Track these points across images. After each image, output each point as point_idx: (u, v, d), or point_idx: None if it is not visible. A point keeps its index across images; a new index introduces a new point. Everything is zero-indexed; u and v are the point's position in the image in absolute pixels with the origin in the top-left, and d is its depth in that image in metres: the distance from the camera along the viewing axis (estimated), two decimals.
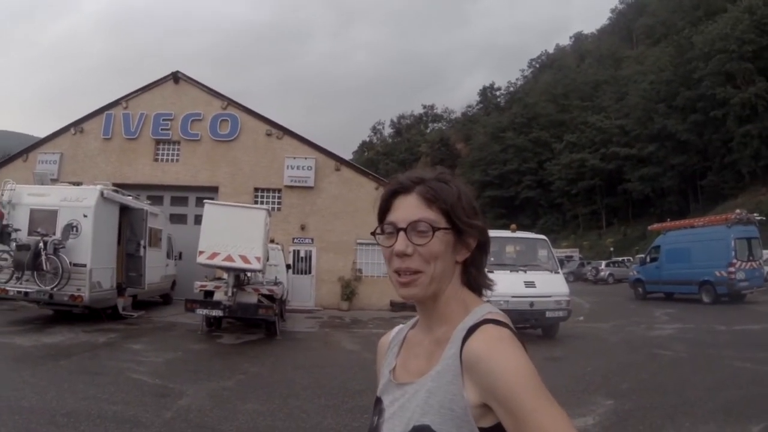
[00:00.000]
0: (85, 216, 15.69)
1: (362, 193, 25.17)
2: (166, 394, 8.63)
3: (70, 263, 15.03)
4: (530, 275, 15.28)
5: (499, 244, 15.89)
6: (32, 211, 15.85)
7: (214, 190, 25.46)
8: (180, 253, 23.29)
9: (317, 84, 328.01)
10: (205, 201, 15.93)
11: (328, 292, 25.13)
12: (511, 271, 15.00)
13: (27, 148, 28.08)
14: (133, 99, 27.05)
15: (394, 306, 22.87)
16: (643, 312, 22.72)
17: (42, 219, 15.62)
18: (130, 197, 19.05)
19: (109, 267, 16.76)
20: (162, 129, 26.56)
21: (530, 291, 14.81)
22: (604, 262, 51.21)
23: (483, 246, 1.42)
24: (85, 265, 15.39)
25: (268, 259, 16.34)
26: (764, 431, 6.97)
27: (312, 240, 25.64)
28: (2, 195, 15.89)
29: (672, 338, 15.33)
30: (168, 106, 26.75)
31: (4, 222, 15.36)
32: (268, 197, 26.38)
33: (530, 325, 15.00)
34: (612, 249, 63.34)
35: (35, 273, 14.76)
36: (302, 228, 25.70)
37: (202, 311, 15.02)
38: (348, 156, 78.35)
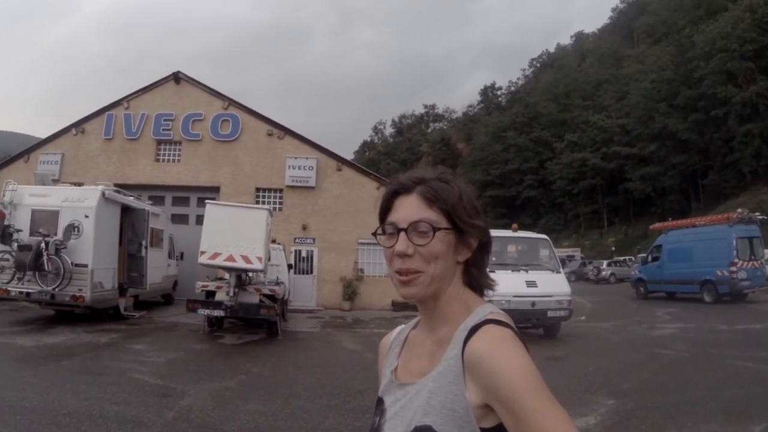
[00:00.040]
0: (86, 216, 15.70)
1: (364, 192, 25.16)
2: (168, 394, 8.63)
3: (72, 264, 15.04)
4: (532, 275, 15.27)
5: (501, 244, 15.87)
6: (34, 212, 15.87)
7: (215, 190, 25.46)
8: (181, 254, 23.29)
9: (318, 84, 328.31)
10: (206, 201, 15.92)
11: (329, 292, 25.14)
12: (512, 270, 14.98)
13: (28, 148, 28.11)
14: (134, 99, 27.07)
15: (396, 306, 22.88)
16: (645, 311, 22.71)
17: (43, 219, 15.64)
18: (132, 197, 19.06)
19: (110, 267, 16.77)
20: (163, 129, 26.57)
21: (532, 291, 14.80)
22: (605, 262, 51.11)
23: (484, 246, 1.41)
24: (86, 266, 15.40)
25: (269, 259, 16.36)
26: (766, 431, 6.96)
27: (313, 240, 25.65)
28: (4, 195, 15.90)
29: (674, 338, 15.32)
30: (169, 106, 26.76)
31: (6, 222, 15.36)
32: (269, 197, 26.38)
33: (532, 325, 14.99)
34: (613, 248, 63.21)
35: (37, 273, 14.78)
36: (304, 228, 25.70)
37: (203, 311, 15.04)
38: (349, 156, 78.43)
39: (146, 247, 18.40)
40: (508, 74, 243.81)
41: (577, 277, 46.11)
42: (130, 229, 18.29)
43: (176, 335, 15.33)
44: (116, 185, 19.21)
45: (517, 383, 1.14)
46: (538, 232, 19.94)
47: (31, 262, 14.65)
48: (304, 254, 25.58)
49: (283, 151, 26.45)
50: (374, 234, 1.41)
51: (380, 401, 1.45)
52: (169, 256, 22.52)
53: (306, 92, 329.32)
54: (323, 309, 24.17)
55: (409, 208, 1.34)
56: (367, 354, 12.23)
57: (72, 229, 15.38)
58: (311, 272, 25.45)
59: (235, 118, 26.81)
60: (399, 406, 1.36)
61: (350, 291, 24.93)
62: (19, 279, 14.93)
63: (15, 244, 15.05)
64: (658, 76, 71.32)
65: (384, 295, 23.74)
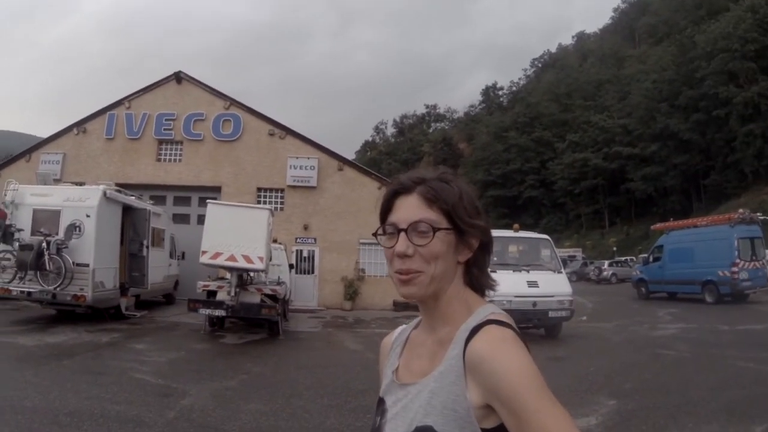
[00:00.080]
0: (88, 216, 15.72)
1: (365, 192, 25.15)
2: (169, 394, 8.63)
3: (73, 263, 15.06)
4: (533, 275, 15.26)
5: (502, 244, 15.84)
6: (35, 211, 15.88)
7: (216, 190, 25.47)
8: (183, 253, 23.30)
9: (319, 84, 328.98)
10: (207, 201, 15.91)
11: (331, 291, 25.14)
12: (514, 270, 14.98)
13: (30, 148, 28.13)
14: (136, 99, 27.08)
15: (397, 306, 22.89)
16: (646, 312, 22.70)
17: (45, 219, 15.65)
18: (133, 197, 19.06)
19: (111, 267, 16.78)
20: (165, 129, 26.58)
21: (533, 291, 14.80)
22: (606, 262, 51.08)
23: (486, 246, 1.41)
24: (88, 265, 15.42)
25: (271, 259, 16.37)
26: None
27: (315, 240, 25.65)
28: (5, 195, 15.92)
29: (675, 338, 15.31)
30: (170, 106, 26.77)
31: (8, 222, 15.38)
32: (270, 197, 26.38)
33: (533, 325, 14.99)
34: (615, 248, 63.24)
35: (38, 273, 14.79)
36: (305, 228, 25.70)
37: (205, 311, 15.05)
38: (351, 156, 78.30)
39: (147, 247, 18.41)
40: (510, 74, 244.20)
41: (578, 278, 46.11)
42: (132, 228, 18.29)
43: (177, 335, 15.33)
44: (118, 185, 19.21)
45: (519, 384, 1.14)
46: (540, 232, 19.94)
47: (33, 261, 14.66)
48: (305, 254, 25.58)
49: (284, 151, 26.46)
50: (375, 234, 1.41)
51: (381, 401, 1.45)
52: (171, 256, 22.52)
53: (307, 92, 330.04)
54: (324, 309, 24.18)
55: (409, 209, 1.34)
56: (369, 354, 12.23)
57: (73, 228, 15.39)
58: (312, 272, 25.45)
59: (236, 117, 26.82)
60: (400, 406, 1.36)
61: (351, 291, 24.93)
62: (21, 278, 14.95)
63: (16, 244, 15.07)
64: (660, 76, 71.31)
65: (385, 295, 23.74)
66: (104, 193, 16.38)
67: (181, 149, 26.84)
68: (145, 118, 26.54)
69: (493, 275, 1.47)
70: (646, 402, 8.39)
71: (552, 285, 15.33)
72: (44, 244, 14.75)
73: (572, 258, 57.24)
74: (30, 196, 16.17)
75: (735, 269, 23.36)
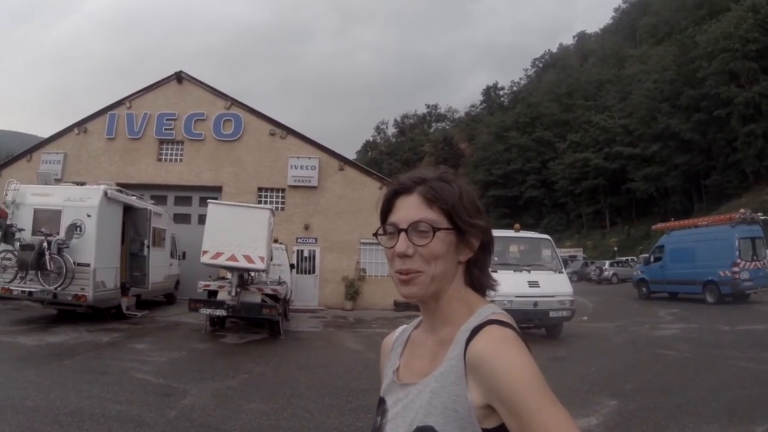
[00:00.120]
0: (88, 216, 15.72)
1: (366, 192, 25.16)
2: (170, 394, 8.63)
3: (74, 263, 15.07)
4: (534, 275, 15.26)
5: (503, 244, 15.83)
6: (36, 211, 15.89)
7: (217, 189, 25.48)
8: (183, 253, 23.30)
9: (320, 84, 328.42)
10: (208, 201, 15.91)
11: (331, 291, 25.16)
12: (514, 270, 14.96)
13: (31, 148, 28.15)
14: (137, 99, 27.09)
15: (398, 306, 22.89)
16: (647, 312, 22.69)
17: (46, 219, 15.66)
18: (134, 197, 19.07)
19: (112, 267, 16.79)
20: (165, 129, 26.60)
21: (534, 291, 14.80)
22: (607, 262, 51.10)
23: (486, 246, 1.41)
24: (88, 265, 15.42)
25: (271, 259, 16.38)
26: None
27: (316, 240, 25.66)
28: (6, 195, 15.93)
29: (676, 338, 15.31)
30: (171, 106, 26.79)
31: (8, 222, 15.40)
32: (271, 197, 26.39)
33: (534, 325, 14.99)
34: (616, 249, 63.26)
35: (39, 272, 14.79)
36: (306, 228, 25.71)
37: (205, 311, 15.06)
38: (351, 156, 78.36)
39: (148, 247, 18.42)
40: (511, 74, 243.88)
41: (579, 278, 46.09)
42: (133, 228, 18.31)
43: (178, 335, 15.34)
44: (118, 185, 19.22)
45: (520, 384, 1.14)
46: (541, 232, 19.93)
47: (34, 261, 14.68)
48: (306, 254, 25.60)
49: (285, 151, 26.47)
50: (375, 234, 1.41)
51: (382, 401, 1.45)
52: (172, 256, 22.53)
53: (307, 92, 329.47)
54: (325, 309, 24.19)
55: (410, 209, 1.34)
56: (369, 354, 12.23)
57: (74, 228, 15.40)
58: (313, 272, 25.47)
59: (237, 117, 26.83)
60: (401, 406, 1.36)
61: (352, 291, 24.94)
62: (22, 278, 14.95)
63: (17, 244, 15.09)
64: (661, 76, 71.28)
65: (386, 294, 23.73)
66: (105, 193, 16.38)
67: (181, 149, 26.85)
68: (146, 117, 26.55)
69: (494, 275, 1.47)
70: (647, 402, 8.39)
71: (553, 285, 15.33)
72: (45, 244, 14.76)
73: (573, 258, 57.22)
74: (31, 195, 16.17)
75: (736, 269, 23.33)
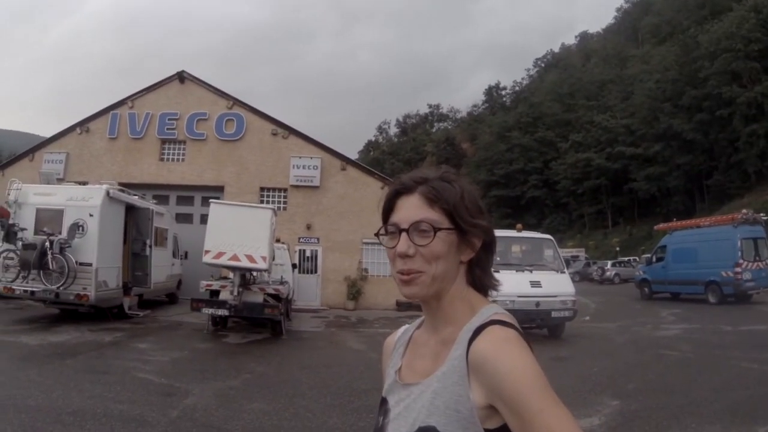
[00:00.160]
0: (91, 215, 15.74)
1: (368, 192, 25.18)
2: (172, 393, 8.64)
3: (76, 262, 15.09)
4: (536, 275, 15.25)
5: (505, 244, 15.82)
6: (38, 211, 15.90)
7: (219, 189, 25.51)
8: (186, 253, 23.32)
9: (321, 84, 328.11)
10: (210, 200, 15.93)
11: (333, 291, 25.16)
12: (516, 270, 14.95)
13: (33, 147, 28.16)
14: (139, 99, 27.12)
15: (400, 306, 22.91)
16: (649, 312, 22.67)
17: (48, 218, 15.67)
18: (136, 197, 19.10)
19: (114, 266, 16.81)
20: (167, 129, 26.62)
21: (536, 291, 14.79)
22: (609, 262, 51.08)
23: (488, 246, 1.41)
24: (91, 264, 15.44)
25: (273, 259, 16.37)
26: None
27: (318, 239, 25.68)
28: (9, 194, 15.95)
29: (678, 338, 15.30)
30: (173, 105, 26.81)
31: (11, 221, 15.42)
32: (273, 197, 26.40)
33: (536, 325, 14.99)
34: (618, 249, 63.22)
35: (41, 272, 14.81)
36: (308, 227, 25.73)
37: (207, 310, 15.06)
38: (353, 155, 78.24)
39: (150, 246, 18.45)
40: (513, 74, 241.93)
41: (581, 278, 46.15)
42: (135, 228, 18.34)
43: (180, 334, 15.34)
44: (121, 184, 19.27)
45: (522, 384, 1.14)
46: (543, 232, 19.93)
47: (36, 260, 14.69)
48: (308, 254, 25.62)
49: (287, 151, 26.48)
50: (377, 234, 1.41)
51: (384, 401, 1.45)
52: (174, 256, 22.54)
53: (309, 92, 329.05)
54: (327, 308, 24.20)
55: (411, 209, 1.34)
56: (372, 354, 12.24)
57: (76, 228, 15.41)
58: (315, 272, 25.49)
59: (239, 117, 26.84)
60: (403, 406, 1.36)
61: (354, 291, 24.95)
62: (24, 278, 14.98)
63: (19, 243, 15.11)
64: (663, 76, 71.17)
65: (388, 294, 23.74)
66: (107, 193, 16.40)
67: (184, 149, 26.88)
68: (148, 117, 26.58)
69: (496, 275, 1.46)
70: (649, 402, 8.38)
71: (555, 285, 15.32)
72: (47, 244, 14.77)
73: (575, 258, 57.22)
74: (33, 195, 16.18)
75: (738, 270, 23.30)
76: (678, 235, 28.22)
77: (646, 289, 29.39)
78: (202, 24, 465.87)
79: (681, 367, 11.43)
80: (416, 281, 1.32)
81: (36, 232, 15.35)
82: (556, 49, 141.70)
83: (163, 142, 26.86)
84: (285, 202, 26.27)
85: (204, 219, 17.85)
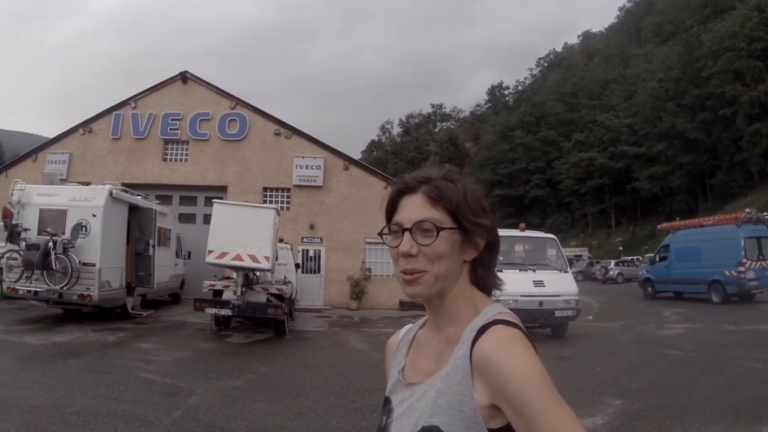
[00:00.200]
0: (94, 216, 15.76)
1: (371, 192, 25.18)
2: (175, 393, 8.65)
3: (80, 262, 15.10)
4: (539, 274, 15.23)
5: (508, 243, 15.81)
6: (41, 211, 15.92)
7: (222, 189, 25.53)
8: (189, 253, 23.36)
9: (324, 83, 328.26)
10: (214, 200, 15.96)
11: (337, 291, 25.16)
12: (520, 270, 14.92)
13: (36, 148, 28.25)
14: (142, 99, 27.15)
15: (404, 305, 22.90)
16: (653, 311, 22.66)
17: (51, 219, 15.70)
18: (139, 197, 19.12)
19: (118, 266, 16.82)
20: (170, 129, 26.65)
21: (539, 290, 14.77)
22: (613, 262, 51.03)
23: (492, 245, 1.41)
24: (94, 265, 15.46)
25: (277, 259, 16.36)
26: None
27: (321, 239, 25.68)
28: (12, 195, 15.98)
29: (681, 338, 15.28)
30: (176, 105, 26.83)
31: (14, 222, 15.45)
32: (276, 197, 26.42)
33: (539, 325, 14.95)
34: (621, 248, 63.10)
35: (45, 272, 14.84)
36: (311, 227, 25.73)
37: (211, 310, 15.08)
38: (356, 155, 78.24)
39: (154, 247, 18.45)
40: (515, 74, 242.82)
41: (584, 277, 46.03)
42: (138, 228, 18.34)
43: (184, 334, 15.36)
44: (124, 184, 19.33)
45: (526, 383, 1.14)
46: (546, 232, 19.89)
47: (39, 261, 14.71)
48: (311, 253, 25.63)
49: (290, 151, 26.49)
50: (380, 234, 1.41)
51: (387, 401, 1.45)
52: (177, 256, 22.58)
53: (312, 92, 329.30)
54: (331, 308, 24.20)
55: (414, 208, 1.33)
56: (375, 353, 12.22)
57: (80, 228, 15.43)
58: (319, 271, 25.50)
59: (242, 117, 26.86)
60: (406, 405, 1.36)
61: (358, 290, 24.95)
62: (27, 278, 15.00)
63: (23, 243, 15.14)
64: (666, 75, 71.03)
65: (391, 294, 23.73)
66: (110, 193, 16.43)
67: (187, 149, 26.90)
68: (151, 117, 26.61)
69: (499, 275, 1.46)
70: (652, 402, 8.38)
71: (558, 284, 15.30)
72: (51, 244, 14.79)
73: (578, 257, 57.23)
74: (36, 195, 16.22)
75: (741, 269, 23.26)
76: (681, 234, 28.17)
77: (649, 289, 29.36)
78: (205, 24, 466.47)
79: (684, 366, 11.42)
80: (419, 281, 1.32)
81: (39, 233, 15.38)
82: (559, 49, 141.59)
83: (166, 142, 26.89)
84: (288, 202, 26.29)
85: (207, 219, 17.90)
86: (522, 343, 1.22)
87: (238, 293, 14.69)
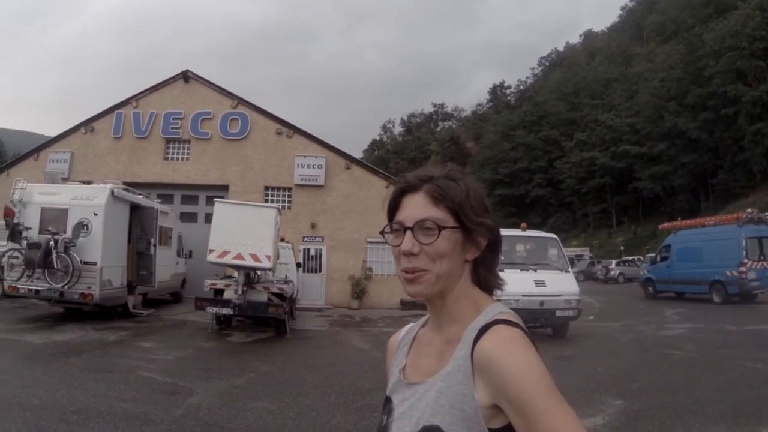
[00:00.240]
0: (95, 214, 15.78)
1: (372, 191, 25.18)
2: (176, 392, 8.65)
3: (81, 261, 15.12)
4: (540, 274, 15.22)
5: (510, 243, 15.79)
6: (43, 210, 15.94)
7: (224, 188, 25.54)
8: (190, 252, 23.37)
9: (326, 83, 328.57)
10: (215, 199, 15.94)
11: (338, 290, 25.17)
12: (521, 270, 14.93)
13: (38, 147, 28.26)
14: (144, 98, 27.16)
15: (405, 305, 22.89)
16: (654, 311, 22.65)
17: (53, 217, 15.72)
18: (141, 196, 19.13)
19: (119, 265, 16.84)
20: (172, 128, 26.67)
21: (540, 290, 14.75)
22: (614, 261, 51.02)
23: (494, 245, 1.40)
24: (95, 264, 15.47)
25: (278, 258, 16.36)
26: None
27: (322, 238, 25.68)
28: (13, 194, 15.99)
29: (682, 338, 15.27)
30: (178, 105, 26.85)
31: (16, 220, 15.46)
32: (278, 196, 26.43)
33: (540, 325, 14.93)
34: (622, 248, 63.05)
35: (46, 271, 14.85)
36: (312, 226, 25.74)
37: (212, 309, 15.07)
38: (358, 154, 78.13)
39: (155, 245, 18.48)
40: (517, 73, 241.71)
41: (585, 277, 46.04)
42: (139, 227, 18.37)
43: (185, 333, 15.37)
44: (125, 183, 19.30)
45: (527, 383, 1.13)
46: (547, 232, 19.87)
47: (41, 259, 14.72)
48: (312, 253, 25.63)
49: (291, 150, 26.49)
50: (382, 232, 1.41)
51: (388, 400, 1.45)
52: (178, 255, 22.61)
53: (313, 91, 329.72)
54: (332, 307, 24.20)
55: (416, 207, 1.33)
56: (376, 353, 12.22)
57: (81, 227, 15.45)
58: (320, 271, 25.49)
59: (244, 116, 26.87)
60: (407, 405, 1.36)
61: (359, 290, 24.95)
62: (29, 276, 15.01)
63: (24, 242, 15.15)
64: (668, 74, 70.96)
65: (393, 293, 23.73)
66: (112, 192, 16.44)
67: (188, 148, 26.91)
68: (152, 117, 26.63)
69: (501, 274, 1.46)
70: (653, 402, 8.37)
71: (559, 284, 15.29)
72: (52, 243, 14.80)
73: (579, 257, 57.16)
74: (38, 194, 16.23)
75: (743, 269, 23.24)
76: (682, 234, 28.14)
77: (651, 289, 29.36)
78: (206, 24, 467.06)
79: (685, 366, 11.41)
80: (420, 280, 1.32)
81: (41, 232, 15.40)
82: (561, 48, 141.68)
83: (168, 141, 26.90)
84: (289, 201, 26.29)
85: (208, 218, 17.89)
86: (523, 342, 1.21)
87: (239, 292, 14.69)
